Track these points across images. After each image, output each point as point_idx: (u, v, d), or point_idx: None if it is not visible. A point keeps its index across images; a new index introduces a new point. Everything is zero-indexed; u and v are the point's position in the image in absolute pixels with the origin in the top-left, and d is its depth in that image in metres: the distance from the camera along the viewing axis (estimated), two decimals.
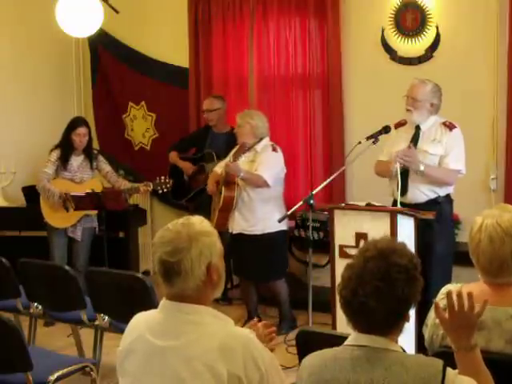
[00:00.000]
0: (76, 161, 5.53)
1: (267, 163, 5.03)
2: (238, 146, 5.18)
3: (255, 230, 5.07)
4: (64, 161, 5.47)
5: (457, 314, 2.04)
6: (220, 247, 2.11)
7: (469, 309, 2.04)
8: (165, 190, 5.47)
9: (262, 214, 5.04)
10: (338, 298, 1.99)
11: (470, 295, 2.04)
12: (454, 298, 2.05)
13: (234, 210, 5.11)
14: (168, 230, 2.08)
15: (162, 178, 5.43)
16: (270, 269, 5.13)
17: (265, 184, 4.98)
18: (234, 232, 5.14)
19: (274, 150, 5.12)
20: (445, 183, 4.42)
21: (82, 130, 5.48)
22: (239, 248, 5.15)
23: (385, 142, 4.64)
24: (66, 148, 5.49)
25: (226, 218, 5.15)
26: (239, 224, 5.11)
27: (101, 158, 5.70)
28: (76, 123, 5.52)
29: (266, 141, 5.16)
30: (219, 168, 5.29)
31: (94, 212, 5.48)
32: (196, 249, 2.02)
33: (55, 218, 5.46)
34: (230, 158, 5.15)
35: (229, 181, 5.07)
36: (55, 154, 5.49)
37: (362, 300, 1.88)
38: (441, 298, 2.38)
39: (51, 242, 5.53)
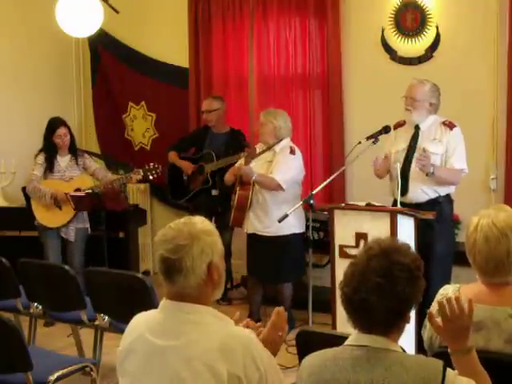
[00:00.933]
0: (63, 161, 5.51)
1: (282, 166, 5.00)
2: (251, 149, 5.14)
3: (269, 231, 5.05)
4: (50, 163, 5.45)
5: (449, 319, 2.05)
6: (221, 247, 2.12)
7: (459, 312, 2.04)
8: (155, 176, 5.48)
9: (277, 216, 4.99)
10: (338, 295, 1.99)
11: (457, 299, 2.06)
12: (445, 304, 2.05)
13: (248, 210, 5.11)
14: (170, 228, 2.09)
15: (151, 164, 5.45)
16: (281, 271, 5.11)
17: (278, 187, 4.96)
18: (248, 232, 5.16)
19: (292, 152, 5.06)
20: (451, 183, 4.44)
21: (61, 131, 5.45)
22: (253, 248, 5.18)
23: (384, 142, 4.64)
24: (49, 151, 5.46)
25: (241, 217, 5.16)
26: (253, 224, 5.11)
27: (86, 156, 5.68)
28: (54, 125, 5.47)
29: (286, 142, 5.11)
30: (240, 164, 5.29)
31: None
32: (197, 247, 2.03)
33: (48, 217, 5.44)
34: (242, 161, 5.10)
35: (244, 181, 5.07)
36: (41, 157, 5.46)
37: (363, 296, 1.89)
38: (439, 299, 2.38)
39: (45, 244, 5.49)
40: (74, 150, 5.56)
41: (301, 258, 5.26)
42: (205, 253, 2.04)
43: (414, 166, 4.39)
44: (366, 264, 1.93)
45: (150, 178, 5.50)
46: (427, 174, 4.31)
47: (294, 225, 5.00)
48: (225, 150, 5.71)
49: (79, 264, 5.40)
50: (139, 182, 5.83)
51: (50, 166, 5.45)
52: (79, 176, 5.51)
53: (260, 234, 5.10)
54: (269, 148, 5.06)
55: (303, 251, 5.20)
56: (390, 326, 1.93)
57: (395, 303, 1.89)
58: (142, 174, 5.42)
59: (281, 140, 5.07)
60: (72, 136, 5.56)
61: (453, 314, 2.05)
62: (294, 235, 5.07)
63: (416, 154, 4.36)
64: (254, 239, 5.15)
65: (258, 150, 5.17)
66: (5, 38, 6.56)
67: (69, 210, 5.38)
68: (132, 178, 5.46)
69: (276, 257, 5.07)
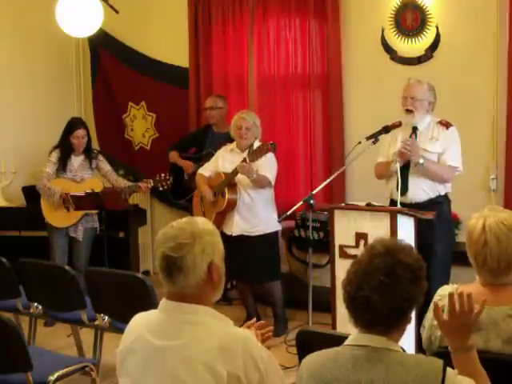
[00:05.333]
0: (76, 161, 5.55)
1: (268, 164, 5.03)
2: (256, 147, 5.05)
3: (258, 230, 5.06)
4: (64, 162, 5.48)
5: (457, 314, 2.05)
6: (222, 249, 2.12)
7: (468, 309, 2.04)
8: (165, 187, 5.47)
9: (264, 215, 5.04)
10: (339, 295, 1.99)
11: (469, 296, 2.06)
12: (456, 298, 2.05)
13: (232, 212, 5.09)
14: (172, 227, 2.09)
15: (162, 175, 5.43)
16: (269, 269, 5.13)
17: (269, 185, 5.01)
18: (234, 234, 5.08)
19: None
20: (442, 179, 4.41)
21: (80, 133, 5.48)
22: (240, 250, 4.96)
23: (381, 144, 4.60)
24: (65, 150, 5.49)
25: (222, 220, 5.14)
26: (239, 226, 5.09)
27: (101, 157, 5.71)
28: (74, 126, 5.50)
29: (258, 142, 5.13)
30: (205, 171, 5.27)
31: (95, 211, 5.49)
32: (199, 246, 2.03)
33: (56, 217, 5.46)
34: (246, 158, 4.97)
35: (232, 183, 5.05)
36: (55, 155, 5.50)
37: (366, 294, 1.88)
38: (437, 299, 2.38)
39: (52, 243, 5.52)
40: (88, 152, 5.59)
41: (280, 256, 5.35)
42: (206, 252, 2.04)
43: (412, 166, 4.39)
44: (369, 262, 1.93)
45: (160, 189, 5.50)
46: (416, 165, 4.32)
47: (277, 222, 5.04)
48: None
49: (85, 263, 5.43)
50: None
51: (62, 165, 5.48)
52: (91, 178, 5.55)
53: (248, 234, 5.07)
54: (246, 148, 5.06)
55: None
56: (391, 326, 1.92)
57: (397, 302, 1.89)
58: (152, 184, 5.42)
59: (255, 139, 5.10)
60: (89, 138, 5.59)
61: (462, 309, 2.05)
62: (277, 233, 5.16)
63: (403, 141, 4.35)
64: (240, 241, 5.03)
65: (230, 150, 5.18)
66: (4, 38, 6.56)
67: (76, 212, 5.40)
68: (141, 187, 5.46)
69: (265, 255, 5.09)
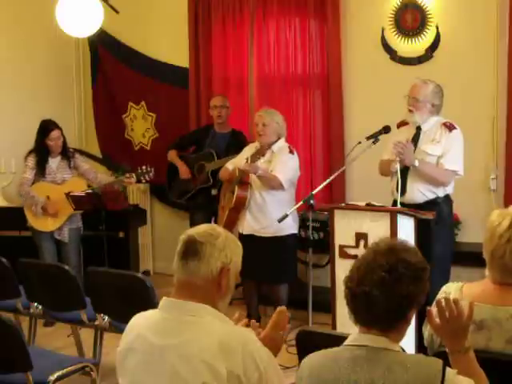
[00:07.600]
0: (54, 162, 5.48)
1: (284, 165, 4.98)
2: (257, 148, 5.07)
3: (268, 231, 5.01)
4: (42, 166, 5.41)
5: (447, 320, 2.05)
6: (240, 265, 2.17)
7: (457, 314, 2.04)
8: (147, 179, 5.46)
9: (276, 217, 4.96)
10: (339, 295, 1.99)
11: (455, 302, 2.06)
12: (443, 304, 2.05)
13: (244, 211, 5.07)
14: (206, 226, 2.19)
15: (143, 167, 5.42)
16: (280, 271, 5.09)
17: (280, 186, 4.94)
18: (245, 233, 5.06)
19: (291, 152, 5.07)
20: (439, 182, 4.40)
21: (55, 134, 5.40)
22: (249, 249, 4.93)
23: (387, 141, 4.62)
24: (41, 153, 5.42)
25: (236, 218, 5.13)
26: (250, 225, 5.06)
27: (77, 155, 5.67)
28: (48, 128, 5.41)
29: (283, 141, 5.10)
30: (230, 165, 5.27)
31: (80, 211, 5.46)
32: (222, 243, 2.10)
33: (41, 221, 5.41)
34: (248, 158, 5.00)
35: (243, 181, 5.04)
36: (32, 159, 5.42)
37: (366, 289, 1.89)
38: (442, 297, 2.38)
39: (40, 248, 5.46)
40: (65, 152, 5.52)
41: (296, 259, 5.28)
42: (225, 252, 2.10)
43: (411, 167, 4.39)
44: (372, 259, 1.94)
45: (143, 181, 5.49)
46: (410, 168, 4.32)
47: (291, 225, 5.00)
48: (225, 150, 5.72)
49: (75, 263, 5.39)
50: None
51: (41, 169, 5.41)
52: (72, 179, 5.49)
53: (258, 234, 5.05)
54: (267, 148, 5.04)
55: (296, 252, 5.24)
56: (391, 324, 1.92)
57: (396, 300, 1.89)
58: (134, 177, 5.39)
59: (278, 139, 5.07)
60: (64, 139, 5.52)
61: (451, 315, 2.05)
62: (292, 235, 5.09)
63: (398, 148, 4.35)
64: (250, 240, 4.97)
65: (252, 150, 5.14)
66: (4, 39, 6.56)
67: (61, 215, 5.36)
68: (125, 181, 5.44)
69: (275, 257, 5.04)
